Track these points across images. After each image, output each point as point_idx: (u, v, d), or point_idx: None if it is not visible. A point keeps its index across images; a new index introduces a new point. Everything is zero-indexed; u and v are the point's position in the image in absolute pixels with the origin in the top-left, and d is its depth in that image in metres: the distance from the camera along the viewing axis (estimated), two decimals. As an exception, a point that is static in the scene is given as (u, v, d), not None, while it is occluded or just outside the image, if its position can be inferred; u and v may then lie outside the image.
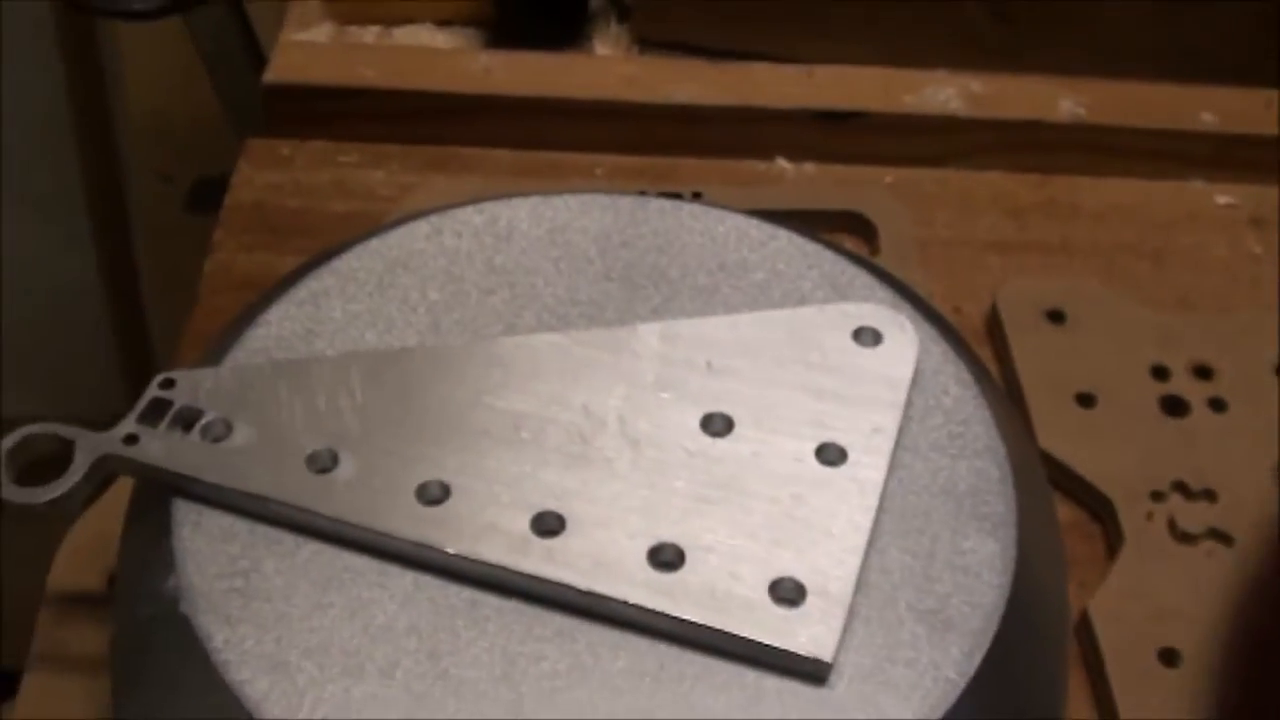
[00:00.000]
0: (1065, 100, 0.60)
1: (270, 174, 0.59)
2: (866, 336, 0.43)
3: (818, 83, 0.60)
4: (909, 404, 0.43)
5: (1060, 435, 0.50)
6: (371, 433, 0.40)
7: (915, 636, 0.37)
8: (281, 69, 0.60)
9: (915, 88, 0.60)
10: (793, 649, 0.36)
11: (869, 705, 0.36)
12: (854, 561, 0.38)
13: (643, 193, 0.56)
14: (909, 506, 0.41)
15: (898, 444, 0.42)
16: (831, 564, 0.37)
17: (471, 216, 0.49)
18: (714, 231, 0.48)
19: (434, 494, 0.39)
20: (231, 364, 0.43)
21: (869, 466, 0.40)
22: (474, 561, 0.37)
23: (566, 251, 0.47)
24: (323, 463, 0.39)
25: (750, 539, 0.38)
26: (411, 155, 0.60)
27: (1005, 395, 0.47)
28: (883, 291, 0.46)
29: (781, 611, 0.37)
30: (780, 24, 0.63)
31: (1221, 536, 0.48)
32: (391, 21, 0.65)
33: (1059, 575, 0.42)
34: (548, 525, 0.38)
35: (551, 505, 0.39)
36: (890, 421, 0.41)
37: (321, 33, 0.65)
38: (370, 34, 0.65)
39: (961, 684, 0.37)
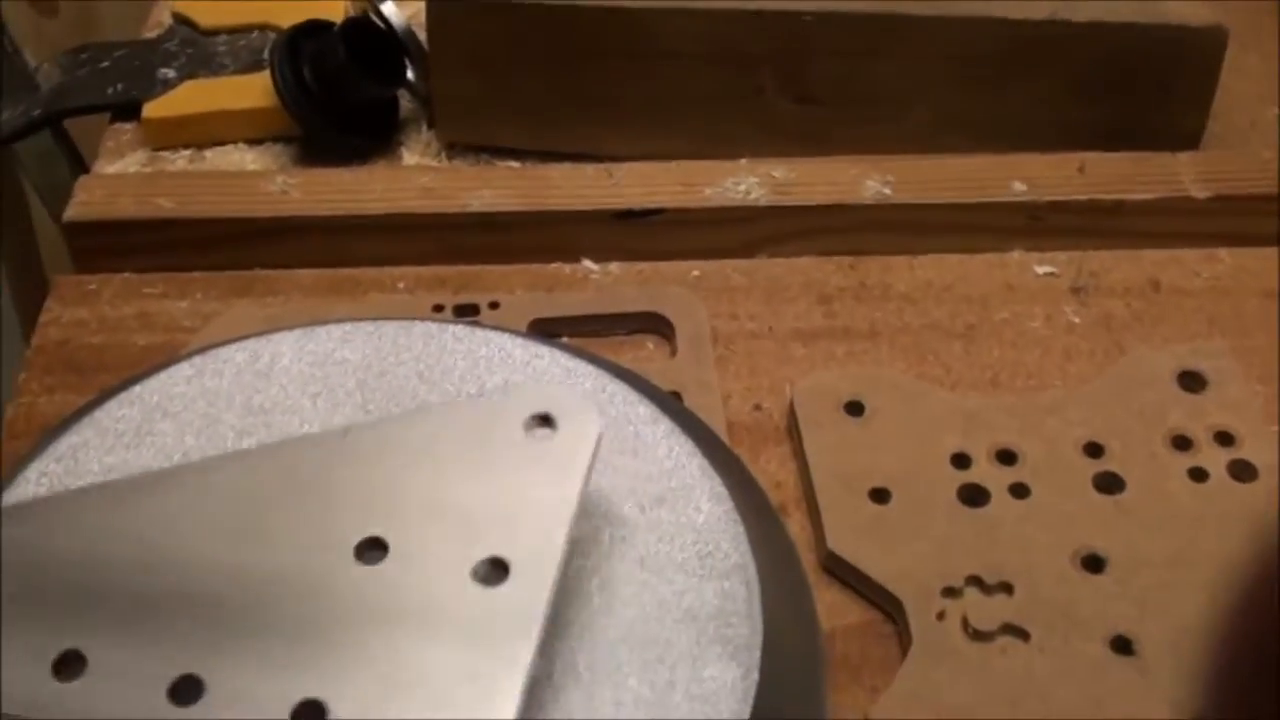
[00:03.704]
0: (871, 180, 0.59)
1: (76, 310, 0.58)
2: (541, 424, 0.40)
3: (617, 181, 0.59)
4: (649, 516, 0.42)
5: (850, 535, 0.49)
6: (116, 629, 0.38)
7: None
8: (80, 205, 0.59)
9: (715, 179, 0.59)
10: None
11: None
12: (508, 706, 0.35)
13: (439, 306, 0.56)
14: (650, 634, 0.40)
15: (643, 565, 0.41)
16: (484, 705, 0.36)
17: (234, 354, 0.48)
18: (477, 354, 0.47)
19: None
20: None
21: (532, 582, 0.37)
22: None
23: (326, 385, 0.47)
24: (69, 666, 0.38)
25: (394, 688, 0.36)
26: (215, 282, 0.59)
27: (769, 506, 0.46)
28: (643, 407, 0.45)
29: None
30: (583, 124, 0.62)
31: (1017, 631, 0.46)
32: (203, 144, 0.65)
33: (814, 694, 0.41)
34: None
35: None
36: (559, 527, 0.38)
37: (135, 160, 0.65)
38: (183, 158, 0.65)
39: None
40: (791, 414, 0.52)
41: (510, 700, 0.35)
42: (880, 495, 0.50)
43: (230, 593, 0.37)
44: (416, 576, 0.38)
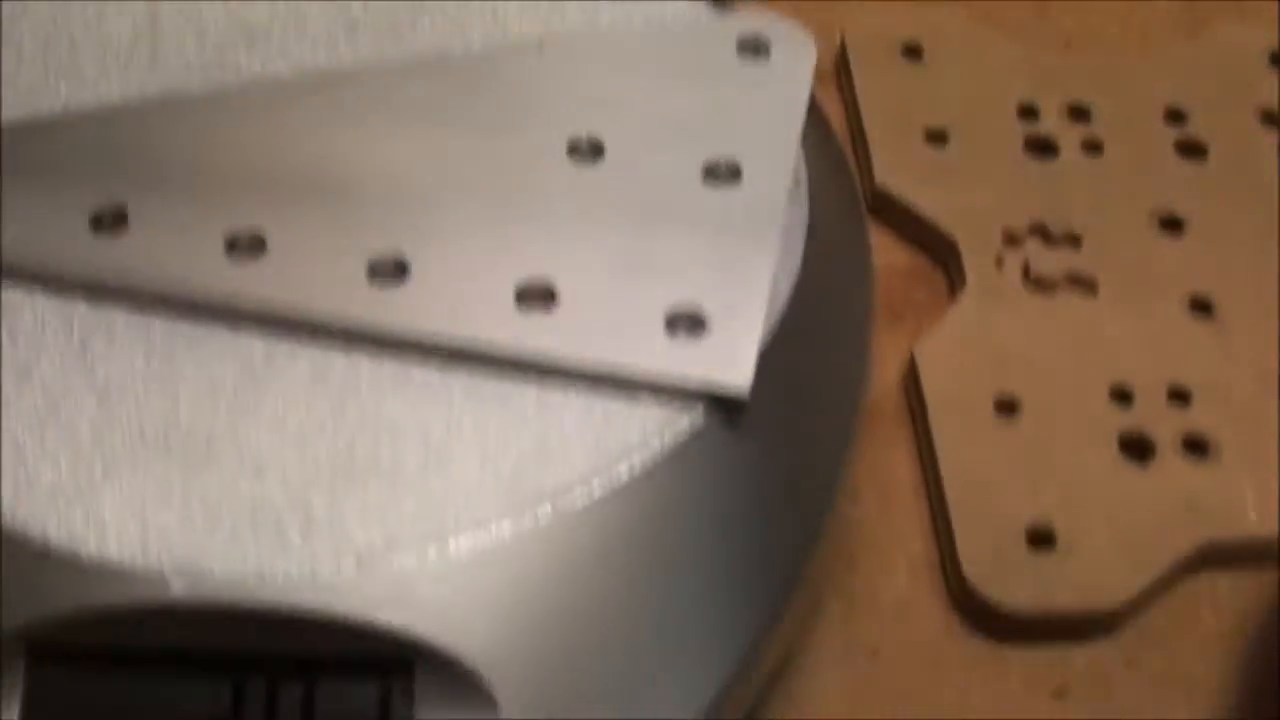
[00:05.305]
0: None
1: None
2: (753, 48, 0.36)
3: None
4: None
5: (902, 172, 0.43)
6: (161, 185, 0.33)
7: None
8: None
9: None
10: (704, 381, 0.30)
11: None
12: (760, 288, 0.32)
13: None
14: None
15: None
16: (734, 293, 0.31)
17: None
18: None
19: (246, 246, 0.32)
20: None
21: (766, 183, 0.33)
22: (305, 317, 0.31)
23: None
24: (109, 222, 0.32)
25: (633, 272, 0.32)
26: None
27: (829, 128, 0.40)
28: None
29: (682, 344, 0.31)
30: None
31: (1084, 283, 0.41)
32: None
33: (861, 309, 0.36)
34: (388, 271, 0.32)
35: (390, 250, 0.32)
36: (789, 134, 0.35)
37: None
38: None
39: None
40: (842, 55, 0.47)
41: (764, 284, 0.31)
42: (937, 137, 0.44)
43: (430, 177, 0.33)
44: (642, 175, 0.33)
